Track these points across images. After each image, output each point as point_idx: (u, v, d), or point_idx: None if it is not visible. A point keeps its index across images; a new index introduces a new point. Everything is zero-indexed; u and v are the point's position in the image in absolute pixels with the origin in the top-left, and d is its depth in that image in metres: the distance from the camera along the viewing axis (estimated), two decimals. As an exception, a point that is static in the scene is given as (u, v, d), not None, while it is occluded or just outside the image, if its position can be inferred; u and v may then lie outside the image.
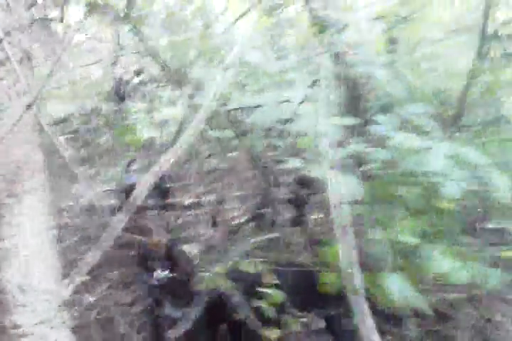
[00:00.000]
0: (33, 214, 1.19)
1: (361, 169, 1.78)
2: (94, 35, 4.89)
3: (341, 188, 1.25)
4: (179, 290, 2.05)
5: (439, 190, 1.67)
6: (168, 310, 2.03)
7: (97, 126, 5.83)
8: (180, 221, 4.76)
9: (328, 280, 1.58)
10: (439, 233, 1.58)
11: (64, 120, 6.21)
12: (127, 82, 4.08)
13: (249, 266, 2.02)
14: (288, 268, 2.23)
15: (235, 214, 4.57)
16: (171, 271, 2.06)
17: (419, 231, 1.55)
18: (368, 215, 1.57)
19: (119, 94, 3.92)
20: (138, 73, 4.61)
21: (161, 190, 4.58)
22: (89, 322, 2.91)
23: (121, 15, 3.50)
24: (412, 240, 1.47)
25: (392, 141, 1.52)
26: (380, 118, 1.58)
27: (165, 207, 4.77)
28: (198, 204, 5.19)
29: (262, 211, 3.42)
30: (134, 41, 4.24)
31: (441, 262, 1.46)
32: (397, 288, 1.35)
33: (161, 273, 2.03)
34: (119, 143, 5.06)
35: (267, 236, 2.40)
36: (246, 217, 3.87)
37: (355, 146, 1.59)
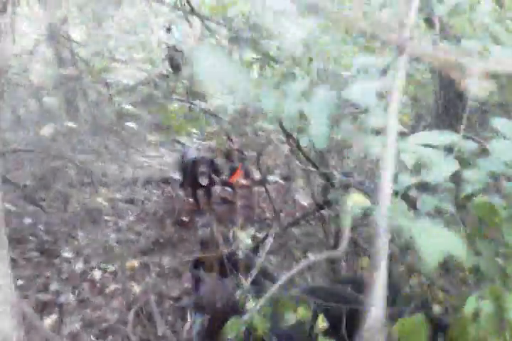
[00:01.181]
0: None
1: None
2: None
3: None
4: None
5: None
6: None
7: (166, 92, 5.61)
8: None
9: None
10: None
11: (133, 87, 6.09)
12: (178, 50, 3.70)
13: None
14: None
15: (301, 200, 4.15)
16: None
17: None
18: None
19: (173, 63, 3.56)
20: (199, 39, 4.21)
21: (229, 168, 4.32)
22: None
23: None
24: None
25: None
26: (498, 121, 1.00)
27: (231, 186, 4.49)
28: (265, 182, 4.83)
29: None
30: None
31: None
32: None
33: None
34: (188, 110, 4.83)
35: (328, 255, 1.90)
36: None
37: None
